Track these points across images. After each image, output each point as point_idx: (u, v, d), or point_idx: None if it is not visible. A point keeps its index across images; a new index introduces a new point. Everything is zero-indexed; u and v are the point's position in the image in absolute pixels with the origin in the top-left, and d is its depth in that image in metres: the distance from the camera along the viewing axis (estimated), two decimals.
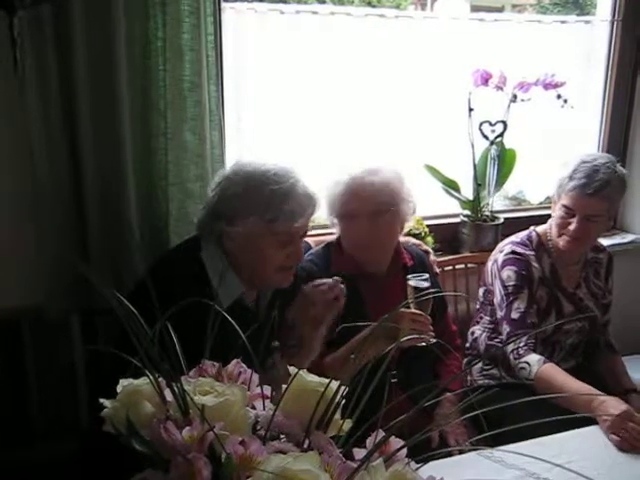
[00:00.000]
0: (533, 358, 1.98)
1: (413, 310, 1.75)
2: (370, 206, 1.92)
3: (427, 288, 1.77)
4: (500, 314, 2.14)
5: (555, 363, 2.00)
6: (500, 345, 2.16)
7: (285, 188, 1.63)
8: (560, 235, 2.13)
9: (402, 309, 1.73)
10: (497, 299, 2.16)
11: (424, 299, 1.76)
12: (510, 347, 2.03)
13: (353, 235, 1.97)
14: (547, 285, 2.15)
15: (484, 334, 2.27)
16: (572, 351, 2.24)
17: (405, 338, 1.68)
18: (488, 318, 2.26)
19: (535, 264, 2.14)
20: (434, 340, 1.74)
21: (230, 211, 1.64)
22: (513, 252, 2.15)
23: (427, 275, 1.83)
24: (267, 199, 1.62)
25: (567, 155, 2.24)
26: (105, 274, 1.99)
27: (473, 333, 2.32)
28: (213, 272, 1.62)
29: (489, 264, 2.25)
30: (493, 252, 2.26)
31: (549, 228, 2.19)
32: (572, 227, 2.07)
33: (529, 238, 2.20)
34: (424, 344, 1.72)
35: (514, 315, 2.09)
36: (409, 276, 1.83)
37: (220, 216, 1.65)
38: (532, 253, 2.16)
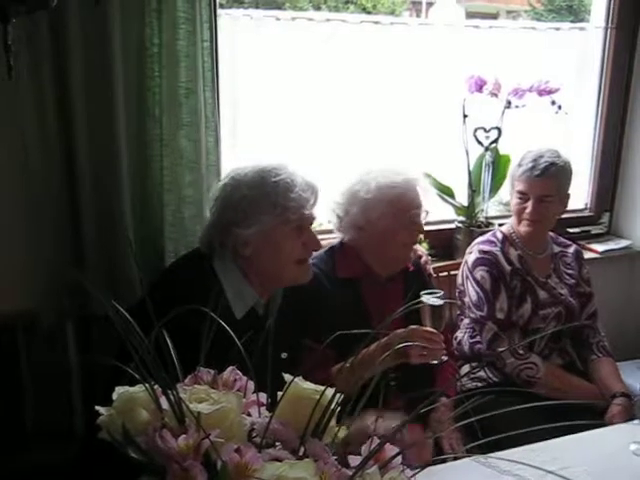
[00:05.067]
0: (537, 358, 2.14)
1: (427, 328, 1.73)
2: (421, 213, 1.95)
3: (441, 306, 1.74)
4: (480, 314, 2.20)
5: (537, 354, 2.18)
6: (480, 342, 2.24)
7: (286, 177, 1.65)
8: (520, 222, 2.25)
9: (416, 327, 1.71)
10: (473, 299, 2.23)
11: (439, 317, 1.74)
12: (501, 347, 2.14)
13: (400, 243, 1.94)
14: (519, 274, 2.24)
15: (466, 335, 2.31)
16: (552, 344, 2.26)
17: (416, 357, 1.69)
18: (467, 320, 2.31)
19: (503, 259, 2.23)
20: (446, 358, 1.74)
21: (241, 215, 1.63)
22: (481, 251, 2.25)
23: (441, 292, 1.79)
24: (273, 192, 1.63)
25: None
26: (100, 279, 1.98)
27: (456, 338, 2.35)
28: (228, 285, 1.63)
29: (461, 267, 2.33)
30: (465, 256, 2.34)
31: (511, 224, 2.31)
32: (528, 210, 2.20)
33: (494, 235, 2.31)
34: (435, 362, 1.72)
35: (499, 315, 2.18)
36: (422, 292, 1.77)
37: (231, 224, 1.64)
38: (498, 249, 2.25)
